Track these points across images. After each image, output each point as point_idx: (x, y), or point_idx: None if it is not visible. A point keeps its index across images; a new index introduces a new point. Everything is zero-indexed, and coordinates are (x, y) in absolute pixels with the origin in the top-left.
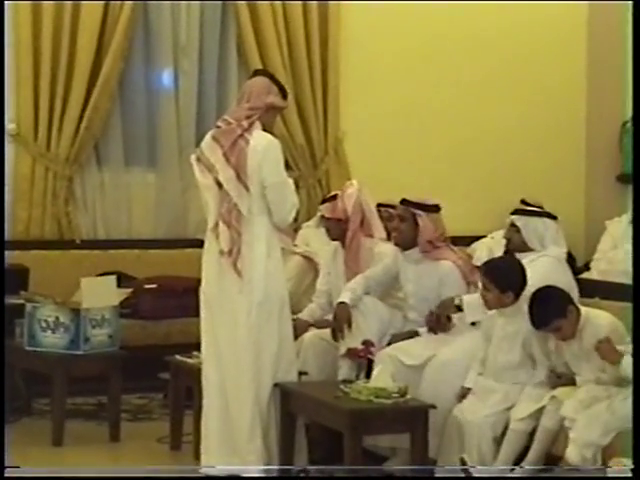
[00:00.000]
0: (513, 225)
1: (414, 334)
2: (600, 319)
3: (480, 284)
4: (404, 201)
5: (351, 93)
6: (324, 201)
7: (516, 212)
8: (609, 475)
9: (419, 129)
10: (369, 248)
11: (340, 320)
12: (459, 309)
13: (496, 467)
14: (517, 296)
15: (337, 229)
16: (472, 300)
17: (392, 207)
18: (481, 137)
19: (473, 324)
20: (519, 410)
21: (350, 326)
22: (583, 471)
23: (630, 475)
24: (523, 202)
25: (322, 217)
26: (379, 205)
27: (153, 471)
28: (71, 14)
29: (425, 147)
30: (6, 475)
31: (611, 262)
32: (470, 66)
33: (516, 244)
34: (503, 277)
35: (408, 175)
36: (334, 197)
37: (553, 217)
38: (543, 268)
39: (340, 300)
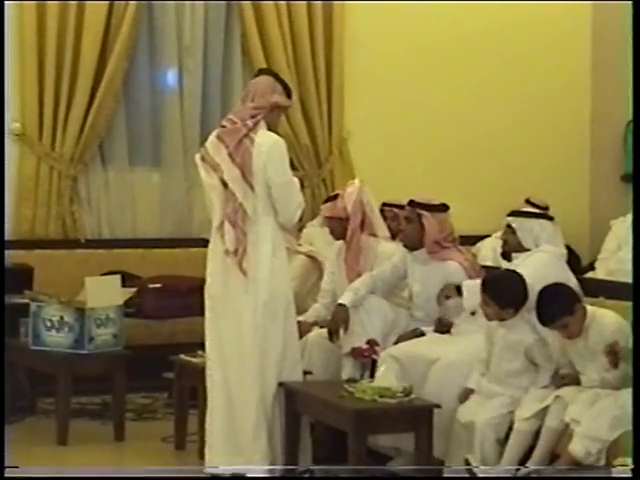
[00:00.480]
0: (509, 226)
1: (419, 334)
2: (606, 318)
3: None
4: (411, 202)
5: (355, 93)
6: (326, 201)
7: (512, 214)
8: (613, 475)
9: (423, 128)
10: (372, 247)
11: (337, 322)
12: (459, 292)
13: (501, 467)
14: (517, 311)
15: (339, 228)
16: (472, 285)
17: (397, 207)
18: (485, 136)
19: (472, 314)
20: (523, 410)
21: (347, 329)
22: (586, 471)
23: (630, 475)
24: (528, 201)
25: (325, 217)
26: (384, 204)
27: (157, 471)
28: (76, 14)
29: (429, 147)
30: (6, 475)
31: (621, 261)
32: (474, 66)
33: (512, 245)
34: (503, 294)
35: (412, 175)
36: (336, 197)
37: (550, 218)
38: (539, 263)
39: (340, 302)
